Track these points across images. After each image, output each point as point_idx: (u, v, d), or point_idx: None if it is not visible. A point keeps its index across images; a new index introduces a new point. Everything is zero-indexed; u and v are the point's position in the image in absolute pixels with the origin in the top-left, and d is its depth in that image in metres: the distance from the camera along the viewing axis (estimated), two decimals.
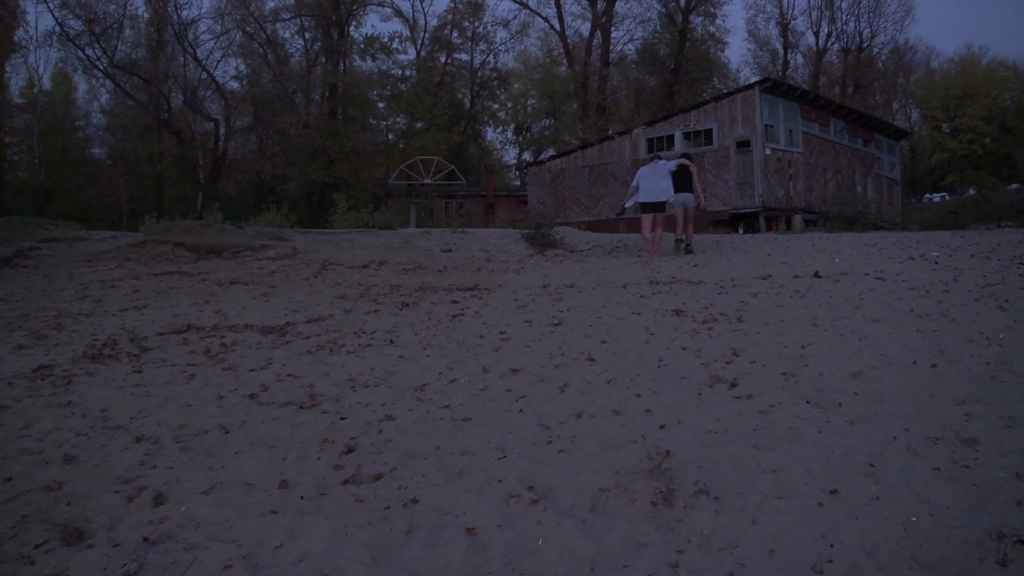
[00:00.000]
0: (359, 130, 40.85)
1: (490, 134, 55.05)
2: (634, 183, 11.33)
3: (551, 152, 41.13)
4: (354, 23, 42.61)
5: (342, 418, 4.65)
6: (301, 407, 4.89)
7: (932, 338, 5.39)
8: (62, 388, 5.46)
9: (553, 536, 3.12)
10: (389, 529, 3.24)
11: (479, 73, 48.73)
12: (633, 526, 3.16)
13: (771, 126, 22.76)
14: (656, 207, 11.00)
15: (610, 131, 32.48)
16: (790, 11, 47.49)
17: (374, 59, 44.80)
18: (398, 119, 47.08)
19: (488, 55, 48.74)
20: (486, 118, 52.53)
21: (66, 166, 40.13)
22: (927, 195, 46.51)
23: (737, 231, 21.54)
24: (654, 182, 10.98)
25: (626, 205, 11.73)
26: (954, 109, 49.78)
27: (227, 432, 4.47)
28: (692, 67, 43.56)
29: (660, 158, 11.56)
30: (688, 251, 11.39)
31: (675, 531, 3.11)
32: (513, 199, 33.64)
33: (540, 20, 45.09)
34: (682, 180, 11.11)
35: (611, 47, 42.76)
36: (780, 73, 44.45)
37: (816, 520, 3.07)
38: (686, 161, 11.32)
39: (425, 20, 49.08)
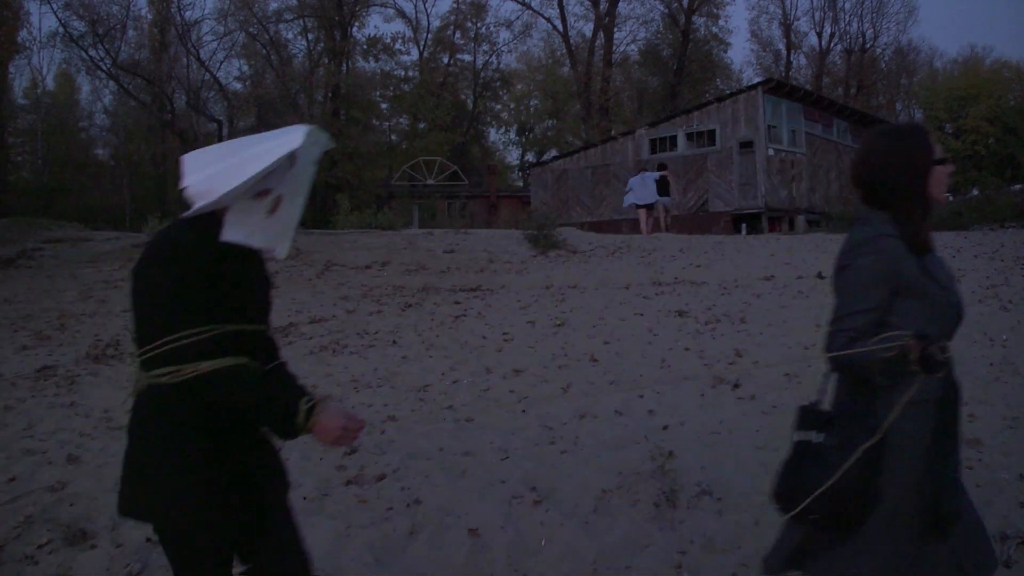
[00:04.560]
0: (362, 131, 40.85)
1: (493, 135, 54.93)
2: (630, 187, 15.96)
3: (554, 153, 41.09)
4: (357, 24, 42.58)
5: None
6: None
7: None
8: (65, 388, 5.47)
9: (556, 537, 3.12)
10: (392, 530, 3.25)
11: (482, 74, 48.63)
12: (636, 527, 3.16)
13: (774, 127, 22.73)
14: (647, 206, 15.68)
15: (613, 132, 32.37)
16: (793, 12, 47.12)
17: (377, 60, 44.77)
18: (401, 120, 47.03)
19: (491, 56, 48.61)
20: (489, 119, 52.42)
21: (69, 167, 40.14)
22: None
23: (740, 232, 21.52)
24: (644, 188, 15.43)
25: (625, 204, 16.35)
26: (957, 110, 49.62)
27: None
28: (695, 68, 43.46)
29: (646, 170, 16.30)
30: (668, 230, 16.07)
31: (678, 532, 3.10)
32: (516, 200, 33.59)
33: (543, 21, 44.99)
34: (663, 186, 15.74)
35: (614, 48, 42.68)
36: (783, 74, 44.34)
37: None
38: (667, 173, 16.22)
39: (428, 21, 48.94)
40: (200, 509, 1.71)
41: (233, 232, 1.72)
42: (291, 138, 1.70)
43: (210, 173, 1.71)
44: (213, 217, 1.72)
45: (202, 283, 1.70)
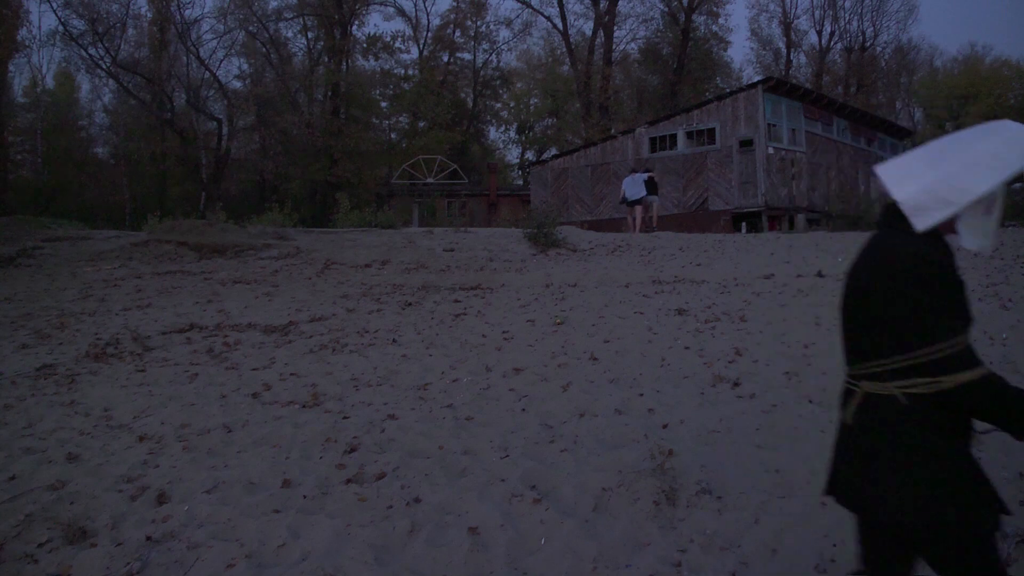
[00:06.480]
0: (362, 129, 40.82)
1: (493, 133, 54.94)
2: (623, 186, 17.50)
3: (554, 151, 41.08)
4: (357, 22, 42.57)
5: (345, 417, 4.66)
6: (304, 406, 4.90)
7: None
8: (65, 387, 5.47)
9: (555, 535, 3.12)
10: (391, 528, 3.25)
11: (482, 72, 48.64)
12: (635, 525, 3.16)
13: (774, 125, 22.71)
14: (637, 202, 17.27)
15: (613, 130, 32.40)
16: (793, 10, 47.14)
17: (377, 58, 44.76)
18: (401, 118, 47.01)
19: (491, 54, 48.65)
20: (489, 117, 52.43)
21: (69, 165, 40.12)
22: None
23: (740, 230, 21.52)
24: (634, 187, 17.10)
25: (623, 197, 17.76)
26: (957, 108, 49.65)
27: (230, 431, 4.47)
28: (695, 66, 43.44)
29: (636, 171, 17.95)
30: (653, 231, 17.24)
31: (678, 530, 3.11)
32: (516, 198, 33.60)
33: (543, 19, 45.00)
34: (650, 186, 17.43)
35: (614, 46, 42.68)
36: (783, 72, 44.33)
37: (819, 519, 3.07)
38: (654, 175, 18.25)
39: (428, 19, 49.08)
40: (978, 501, 1.79)
41: (969, 239, 1.74)
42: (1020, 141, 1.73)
43: (930, 182, 1.73)
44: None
45: (950, 293, 1.71)
